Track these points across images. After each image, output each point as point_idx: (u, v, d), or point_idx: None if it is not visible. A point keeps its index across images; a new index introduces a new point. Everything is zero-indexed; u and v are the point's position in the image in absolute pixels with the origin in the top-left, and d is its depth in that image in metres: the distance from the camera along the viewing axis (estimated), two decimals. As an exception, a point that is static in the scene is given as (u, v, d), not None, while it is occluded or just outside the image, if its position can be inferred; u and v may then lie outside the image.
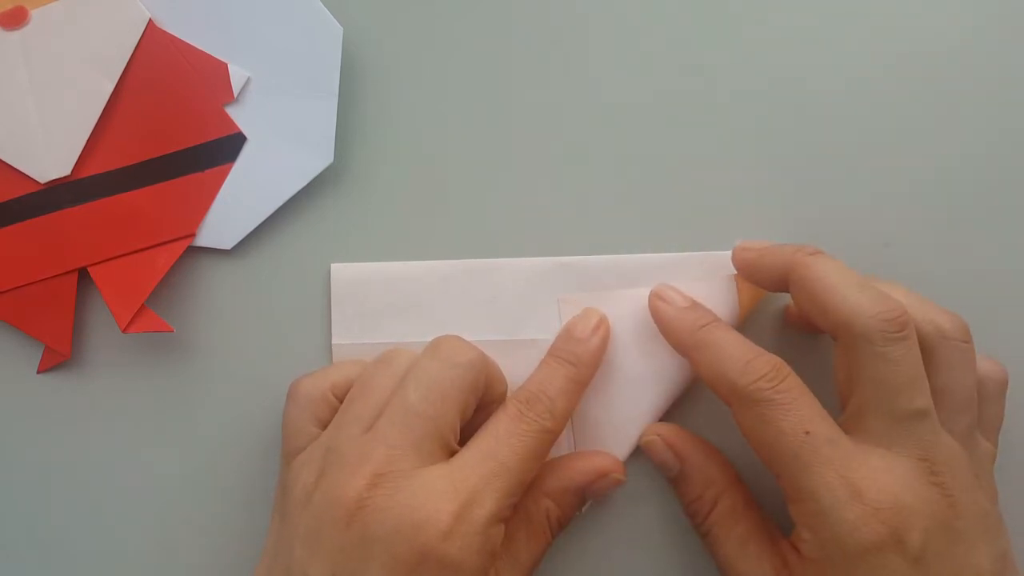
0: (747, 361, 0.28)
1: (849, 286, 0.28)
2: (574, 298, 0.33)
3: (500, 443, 0.28)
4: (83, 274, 0.33)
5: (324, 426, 0.30)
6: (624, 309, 0.32)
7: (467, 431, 0.29)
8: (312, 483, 0.28)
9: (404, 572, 0.26)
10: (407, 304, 0.33)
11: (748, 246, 0.32)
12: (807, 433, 0.27)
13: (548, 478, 0.31)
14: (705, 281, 0.32)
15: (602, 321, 0.32)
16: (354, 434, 0.28)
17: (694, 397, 0.33)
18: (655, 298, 0.31)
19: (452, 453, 0.28)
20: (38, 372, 0.34)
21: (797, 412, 0.27)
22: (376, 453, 0.27)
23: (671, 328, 0.31)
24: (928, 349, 0.28)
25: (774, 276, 0.30)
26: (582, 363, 0.31)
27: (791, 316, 0.33)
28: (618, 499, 0.33)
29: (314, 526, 0.27)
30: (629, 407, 0.32)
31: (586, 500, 0.32)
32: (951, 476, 0.27)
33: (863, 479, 0.26)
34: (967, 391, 0.28)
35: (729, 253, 0.33)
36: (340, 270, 0.34)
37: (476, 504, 0.27)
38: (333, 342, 0.33)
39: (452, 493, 0.27)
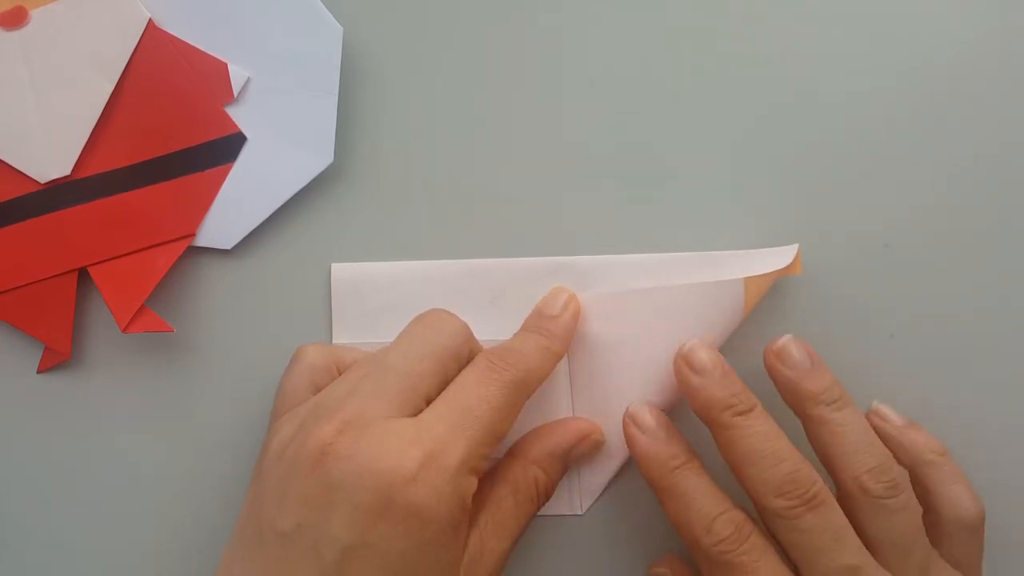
0: (712, 519, 0.28)
1: (762, 458, 0.28)
2: (579, 298, 0.33)
3: (469, 392, 0.28)
4: (83, 274, 0.33)
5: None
6: (625, 309, 0.32)
7: None
8: (289, 438, 0.28)
9: (368, 521, 0.25)
10: (407, 304, 0.33)
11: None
12: None
13: (533, 445, 0.31)
14: (710, 283, 0.32)
15: (572, 298, 0.32)
16: (340, 394, 0.28)
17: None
18: (628, 420, 0.30)
19: None
20: (38, 372, 0.34)
21: (756, 574, 0.28)
22: (348, 404, 0.27)
23: (643, 462, 0.30)
24: (851, 504, 0.29)
25: None
26: (555, 336, 0.31)
27: None
28: (619, 500, 0.33)
29: (283, 479, 0.27)
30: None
31: (569, 466, 0.32)
32: None
33: None
34: (901, 536, 0.29)
35: (730, 254, 0.33)
36: (340, 270, 0.34)
37: (444, 452, 0.26)
38: (333, 342, 0.33)
39: (417, 440, 0.26)
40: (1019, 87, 0.34)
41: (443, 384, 0.28)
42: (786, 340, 0.30)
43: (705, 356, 0.30)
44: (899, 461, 0.30)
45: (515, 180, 0.34)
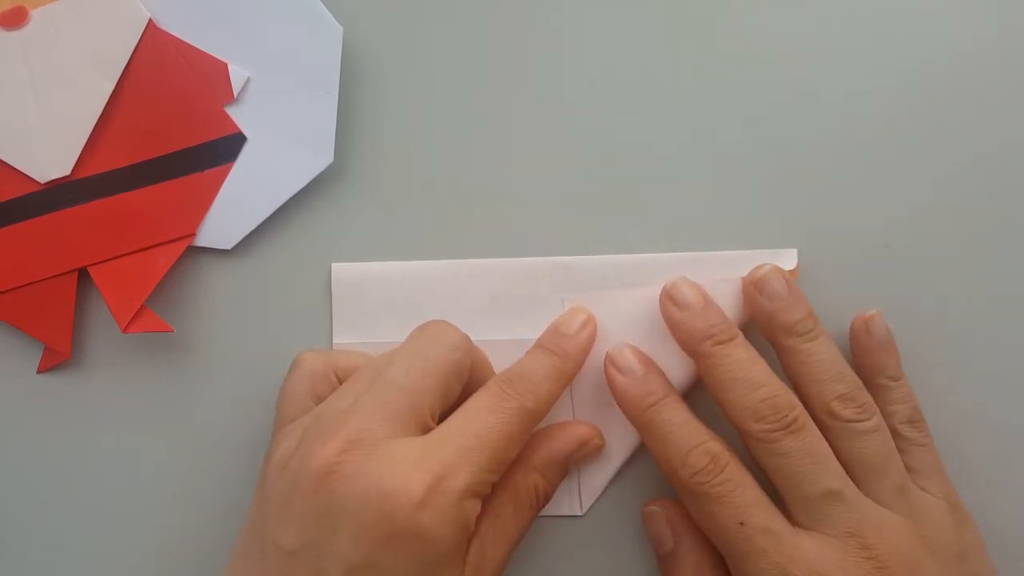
0: (688, 451, 0.29)
1: (740, 383, 0.29)
2: (579, 298, 0.33)
3: (479, 418, 0.28)
4: (83, 274, 0.33)
5: (319, 401, 0.30)
6: (626, 309, 0.32)
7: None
8: (291, 450, 0.28)
9: (374, 542, 0.25)
10: (407, 304, 0.33)
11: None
12: (741, 524, 0.28)
13: (533, 451, 0.31)
14: (709, 284, 0.32)
15: (590, 319, 0.32)
16: (342, 407, 0.28)
17: (694, 399, 0.32)
18: (609, 363, 0.31)
19: (428, 431, 0.28)
20: (38, 372, 0.34)
21: (732, 504, 0.28)
22: (351, 422, 0.27)
23: (622, 401, 0.30)
24: (822, 431, 0.29)
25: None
26: (568, 356, 0.31)
27: None
28: (619, 500, 0.33)
29: (286, 493, 0.27)
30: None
31: (569, 471, 0.32)
32: (885, 546, 0.28)
33: (795, 565, 0.27)
34: (873, 457, 0.29)
35: (730, 254, 0.33)
36: (340, 270, 0.34)
37: (451, 476, 0.26)
38: (334, 342, 0.33)
39: (425, 463, 0.26)
40: (1019, 87, 0.34)
41: (445, 398, 0.28)
42: (767, 270, 0.31)
43: (687, 290, 0.31)
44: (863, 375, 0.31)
45: (515, 180, 0.34)
